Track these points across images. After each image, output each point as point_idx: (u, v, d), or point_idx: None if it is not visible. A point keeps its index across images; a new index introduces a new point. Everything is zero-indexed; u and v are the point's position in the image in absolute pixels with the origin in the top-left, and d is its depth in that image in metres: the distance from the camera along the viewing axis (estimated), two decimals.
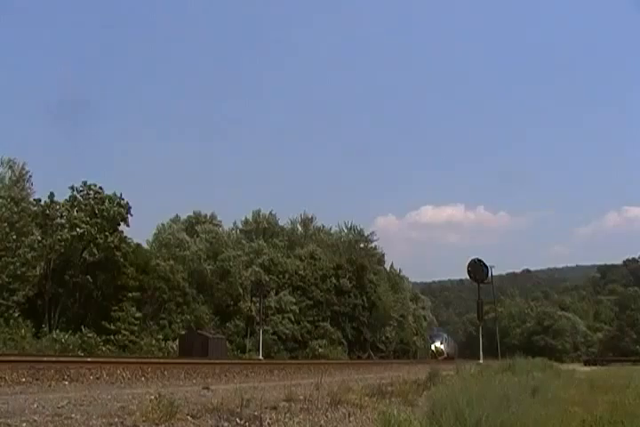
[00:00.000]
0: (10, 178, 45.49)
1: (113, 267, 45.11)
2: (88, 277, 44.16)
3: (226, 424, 6.10)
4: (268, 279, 58.81)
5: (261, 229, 70.98)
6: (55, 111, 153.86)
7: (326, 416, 7.43)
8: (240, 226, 73.20)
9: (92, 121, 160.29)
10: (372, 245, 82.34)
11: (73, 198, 45.56)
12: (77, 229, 43.42)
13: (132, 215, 47.16)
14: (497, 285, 64.31)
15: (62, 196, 45.45)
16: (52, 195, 44.42)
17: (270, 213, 74.15)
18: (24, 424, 5.27)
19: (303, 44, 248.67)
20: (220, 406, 6.63)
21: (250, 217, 73.91)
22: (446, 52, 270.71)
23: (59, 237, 42.64)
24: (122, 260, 45.12)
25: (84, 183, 45.99)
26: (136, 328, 43.68)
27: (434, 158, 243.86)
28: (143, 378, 14.20)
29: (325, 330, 60.17)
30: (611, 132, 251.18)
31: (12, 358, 16.01)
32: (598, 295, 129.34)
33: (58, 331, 38.49)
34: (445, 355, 73.46)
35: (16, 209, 41.15)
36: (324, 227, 79.30)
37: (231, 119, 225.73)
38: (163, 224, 65.49)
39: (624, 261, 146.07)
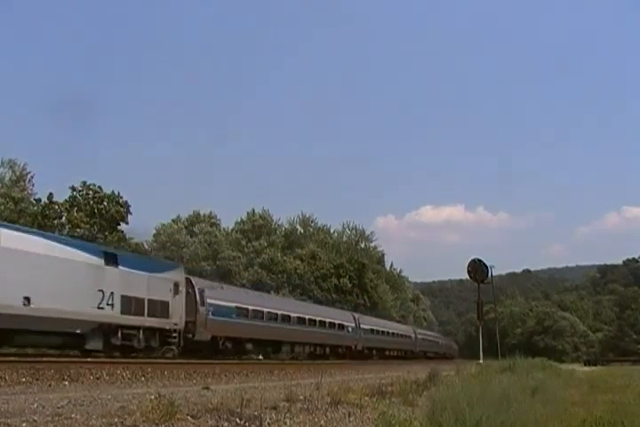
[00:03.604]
0: (10, 178, 45.56)
1: None
2: None
3: (226, 424, 6.10)
4: (268, 280, 59.03)
5: (257, 227, 70.86)
6: (55, 111, 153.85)
7: (326, 416, 7.43)
8: (237, 226, 73.09)
9: (92, 121, 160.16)
10: (373, 244, 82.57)
11: (72, 198, 45.61)
12: (77, 230, 43.45)
13: (131, 214, 47.30)
14: (497, 285, 64.11)
15: (62, 196, 45.53)
16: (50, 195, 44.52)
17: (263, 209, 73.98)
18: (24, 424, 5.27)
19: (303, 45, 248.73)
20: (220, 406, 6.63)
21: (245, 217, 73.69)
22: (446, 52, 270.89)
23: None
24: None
25: (84, 183, 46.06)
26: None
27: (434, 158, 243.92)
28: (143, 378, 14.18)
29: None
30: (611, 132, 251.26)
31: (12, 359, 16.01)
32: (598, 295, 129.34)
33: None
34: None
35: (15, 209, 41.19)
36: (324, 227, 79.39)
37: (232, 119, 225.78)
38: (163, 224, 65.63)
39: (624, 261, 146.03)
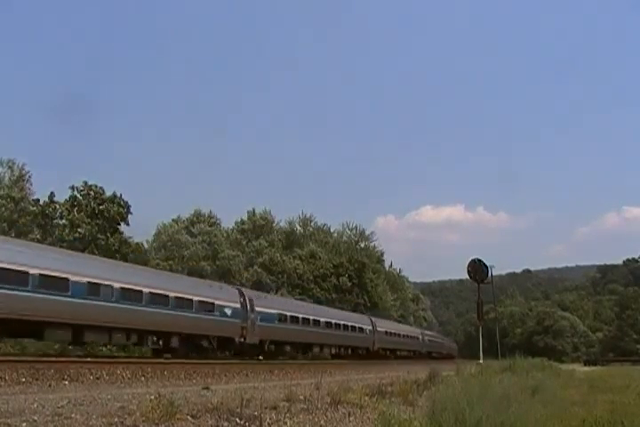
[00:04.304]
0: (9, 178, 45.61)
1: None
2: None
3: (226, 424, 6.10)
4: (268, 280, 59.05)
5: (258, 227, 70.79)
6: (55, 111, 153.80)
7: (326, 416, 7.43)
8: (237, 226, 73.02)
9: (92, 121, 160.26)
10: (372, 244, 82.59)
11: (73, 198, 45.56)
12: (79, 230, 43.42)
13: (131, 214, 47.25)
14: (497, 285, 63.74)
15: (62, 196, 45.48)
16: (52, 195, 44.51)
17: (265, 210, 73.81)
18: (24, 424, 5.28)
19: (304, 45, 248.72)
20: (220, 406, 6.64)
21: (245, 217, 73.59)
22: (446, 52, 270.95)
23: (59, 237, 42.65)
24: (122, 261, 45.09)
25: (85, 183, 45.97)
26: None
27: (434, 158, 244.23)
28: (143, 378, 14.22)
29: None
30: (610, 132, 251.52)
31: (12, 358, 16.03)
32: (598, 295, 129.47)
33: None
34: None
35: (15, 208, 41.19)
36: (324, 226, 79.41)
37: (232, 118, 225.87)
38: (164, 224, 65.61)
39: (624, 261, 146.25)
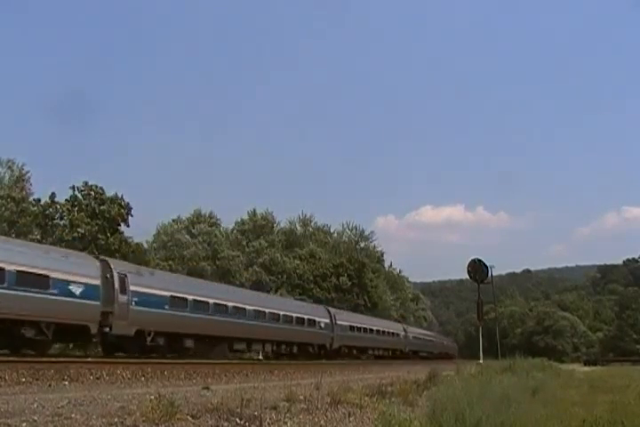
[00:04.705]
0: (9, 178, 45.64)
1: None
2: None
3: (226, 424, 6.10)
4: (268, 280, 59.06)
5: (259, 227, 70.86)
6: (55, 110, 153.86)
7: (326, 416, 7.43)
8: (237, 226, 73.10)
9: (92, 121, 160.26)
10: (372, 244, 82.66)
11: (73, 198, 45.56)
12: (78, 230, 43.44)
13: (132, 216, 47.17)
14: (497, 285, 63.67)
15: (62, 195, 45.47)
16: (53, 195, 44.52)
17: (266, 210, 73.95)
18: (24, 424, 5.28)
19: (304, 45, 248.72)
20: (220, 406, 6.63)
21: (246, 217, 73.68)
22: (446, 52, 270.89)
23: (59, 237, 42.66)
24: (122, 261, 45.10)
25: (85, 183, 45.95)
26: None
27: (434, 158, 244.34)
28: (143, 378, 14.22)
29: None
30: (610, 132, 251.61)
31: (12, 358, 16.02)
32: (598, 295, 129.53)
33: None
34: None
35: (16, 209, 41.18)
36: (324, 226, 79.47)
37: (232, 119, 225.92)
38: (164, 224, 65.67)
39: (624, 261, 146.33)
